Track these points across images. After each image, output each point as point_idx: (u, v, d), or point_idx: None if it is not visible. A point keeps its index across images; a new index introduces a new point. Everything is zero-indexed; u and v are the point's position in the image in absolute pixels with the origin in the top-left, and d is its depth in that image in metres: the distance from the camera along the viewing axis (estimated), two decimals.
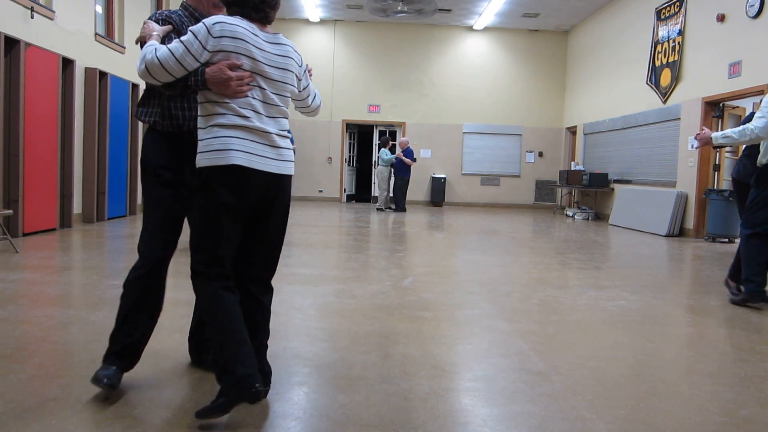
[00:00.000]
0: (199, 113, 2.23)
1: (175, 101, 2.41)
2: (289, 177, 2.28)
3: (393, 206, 13.27)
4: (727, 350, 3.27)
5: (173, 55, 2.10)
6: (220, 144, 2.11)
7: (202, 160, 2.14)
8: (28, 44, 6.73)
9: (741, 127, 4.26)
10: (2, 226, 5.81)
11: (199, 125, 2.21)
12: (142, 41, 2.26)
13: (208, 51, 2.12)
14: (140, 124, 9.96)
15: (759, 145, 4.35)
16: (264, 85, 2.20)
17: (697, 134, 4.51)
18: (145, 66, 2.11)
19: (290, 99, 2.33)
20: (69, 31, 7.86)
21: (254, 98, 2.17)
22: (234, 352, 2.08)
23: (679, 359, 3.13)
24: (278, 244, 2.38)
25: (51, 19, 7.41)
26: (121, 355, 2.38)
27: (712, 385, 2.69)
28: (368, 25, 15.03)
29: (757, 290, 4.25)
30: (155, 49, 2.12)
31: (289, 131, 2.32)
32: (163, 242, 2.49)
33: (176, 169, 2.43)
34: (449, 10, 13.69)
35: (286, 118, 2.30)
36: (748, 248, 4.30)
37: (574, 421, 2.24)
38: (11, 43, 6.53)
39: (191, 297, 4.29)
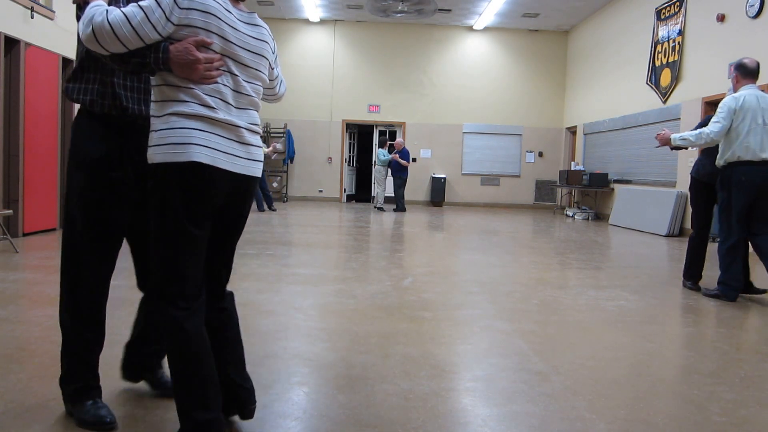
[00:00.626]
0: (153, 97, 1.85)
1: (120, 76, 2.00)
2: (256, 179, 1.99)
3: (394, 206, 13.30)
4: (727, 350, 3.27)
5: (129, 21, 1.70)
6: (179, 137, 1.75)
7: (156, 155, 1.78)
8: (28, 44, 6.73)
9: (698, 131, 4.48)
10: (2, 226, 5.81)
11: (152, 112, 1.84)
12: None
13: (172, 23, 1.75)
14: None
15: (718, 145, 4.54)
16: (235, 71, 1.87)
17: (658, 134, 4.68)
18: (92, 30, 1.69)
19: (261, 87, 2.03)
20: (69, 31, 7.86)
21: (224, 85, 1.84)
22: (197, 394, 1.82)
23: (679, 359, 3.13)
24: (235, 245, 2.11)
25: (51, 19, 7.41)
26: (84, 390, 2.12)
27: (712, 385, 2.69)
28: (368, 25, 15.03)
29: (736, 293, 4.49)
30: (106, 10, 1.71)
31: (258, 125, 2.01)
32: (101, 263, 2.15)
33: (117, 163, 2.02)
34: (449, 10, 13.69)
35: (257, 110, 1.99)
36: (729, 258, 4.48)
37: (574, 421, 2.24)
38: (11, 43, 6.53)
39: None
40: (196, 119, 1.78)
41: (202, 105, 1.79)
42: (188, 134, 1.76)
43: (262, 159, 2.01)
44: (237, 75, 1.88)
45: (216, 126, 1.81)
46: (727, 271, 4.48)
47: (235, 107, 1.88)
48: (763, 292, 4.64)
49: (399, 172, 12.98)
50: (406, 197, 14.44)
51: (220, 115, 1.82)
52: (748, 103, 4.36)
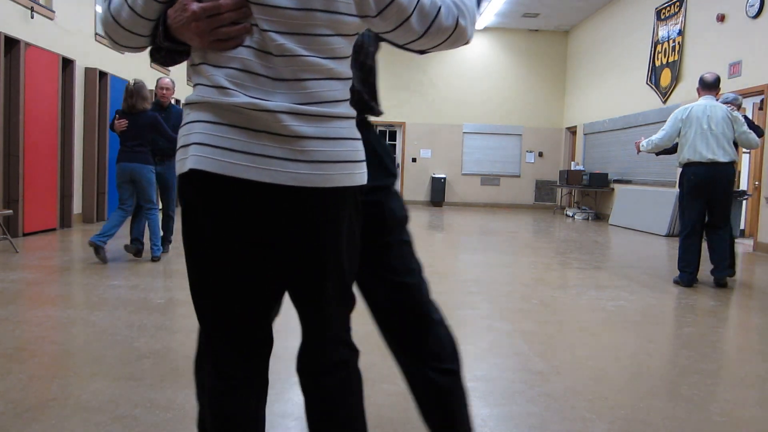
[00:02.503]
0: None
1: None
2: (322, 191, 1.18)
3: None
4: (727, 350, 3.27)
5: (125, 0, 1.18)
6: (183, 138, 1.21)
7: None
8: (28, 44, 6.73)
9: (650, 138, 5.38)
10: (2, 226, 5.81)
11: None
12: None
13: None
14: None
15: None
16: (264, 24, 1.13)
17: (637, 142, 5.56)
18: (103, 28, 1.23)
19: (340, 39, 1.18)
20: (69, 31, 7.86)
21: (248, 47, 1.14)
22: None
23: (679, 359, 3.13)
24: (328, 299, 1.30)
25: (51, 19, 7.41)
26: None
27: (712, 385, 2.69)
28: None
29: (690, 277, 5.00)
30: (108, 3, 1.22)
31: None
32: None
33: None
34: None
35: (331, 79, 1.19)
36: (684, 247, 5.07)
37: (574, 421, 2.24)
38: (11, 43, 6.53)
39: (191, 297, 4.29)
40: (202, 108, 1.18)
41: (210, 86, 1.17)
42: (189, 132, 1.19)
43: (338, 158, 1.20)
44: (266, 30, 1.13)
45: (229, 114, 1.15)
46: (682, 259, 5.02)
47: (269, 78, 1.15)
48: (727, 277, 5.09)
49: None
50: (406, 197, 14.41)
51: (236, 97, 1.14)
52: (694, 112, 4.96)
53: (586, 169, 13.46)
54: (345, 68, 1.20)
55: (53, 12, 7.46)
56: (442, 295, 4.56)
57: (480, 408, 2.37)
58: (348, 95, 1.23)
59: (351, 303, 1.39)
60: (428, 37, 1.19)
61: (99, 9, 9.00)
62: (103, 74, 8.61)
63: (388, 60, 16.20)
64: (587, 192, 13.38)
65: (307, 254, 1.24)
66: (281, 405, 2.33)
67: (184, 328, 3.33)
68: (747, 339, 3.58)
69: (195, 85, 1.21)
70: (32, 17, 6.94)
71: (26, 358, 2.76)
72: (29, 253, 5.72)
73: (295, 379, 2.67)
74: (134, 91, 5.28)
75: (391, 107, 15.24)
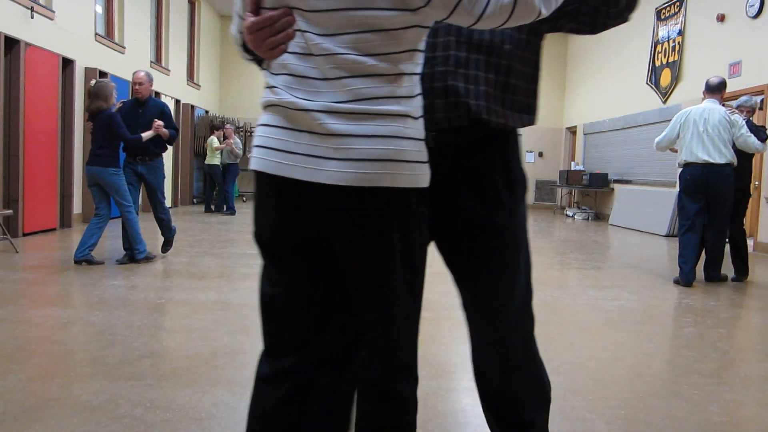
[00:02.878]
0: None
1: None
2: (359, 190, 1.15)
3: None
4: (727, 350, 3.27)
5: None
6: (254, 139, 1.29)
7: None
8: (28, 44, 6.73)
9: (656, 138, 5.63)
10: (2, 226, 5.81)
11: None
12: None
13: None
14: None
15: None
16: (303, 25, 1.17)
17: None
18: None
19: (378, 35, 1.14)
20: (69, 31, 7.86)
21: (289, 53, 1.19)
22: None
23: (679, 359, 3.13)
24: (381, 301, 1.25)
25: (51, 19, 7.41)
26: None
27: (712, 385, 2.69)
28: None
29: (689, 272, 5.11)
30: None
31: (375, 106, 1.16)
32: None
33: None
34: None
35: (370, 76, 1.15)
36: (682, 243, 5.27)
37: (574, 421, 2.24)
38: (11, 43, 6.53)
39: (193, 297, 4.31)
40: (264, 111, 1.25)
41: (268, 89, 1.24)
42: (255, 134, 1.26)
43: (374, 156, 1.15)
44: (306, 31, 1.17)
45: (279, 116, 1.20)
46: (681, 255, 5.15)
47: (316, 79, 1.17)
48: (725, 278, 5.31)
49: None
50: None
51: (281, 96, 1.19)
52: (692, 115, 5.13)
53: (586, 169, 13.46)
54: (389, 64, 1.15)
55: (53, 12, 7.46)
56: (442, 295, 4.56)
57: (480, 408, 2.37)
58: (399, 92, 1.17)
59: (405, 321, 1.29)
60: (489, 18, 1.12)
61: (99, 9, 9.01)
62: (103, 74, 8.61)
63: None
64: (587, 192, 13.38)
65: (346, 255, 1.23)
66: None
67: (184, 328, 3.33)
68: (747, 339, 3.58)
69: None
70: (32, 17, 6.95)
71: (26, 358, 2.76)
72: (29, 253, 5.72)
73: None
74: (91, 92, 5.12)
75: None
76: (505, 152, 1.44)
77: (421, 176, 1.20)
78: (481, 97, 1.34)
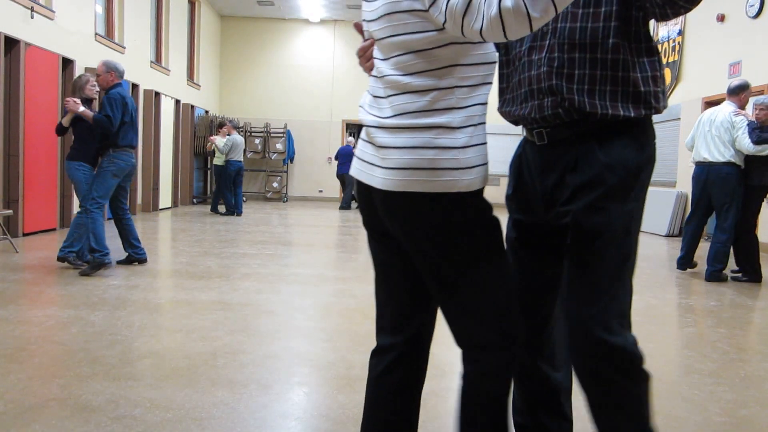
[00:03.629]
0: None
1: None
2: (398, 195, 1.33)
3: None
4: (727, 350, 3.27)
5: None
6: None
7: None
8: (28, 44, 6.73)
9: None
10: (2, 226, 5.81)
11: None
12: None
13: None
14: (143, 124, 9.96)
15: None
16: (376, 52, 1.42)
17: None
18: None
19: (413, 56, 1.31)
20: (69, 31, 7.87)
21: (372, 76, 1.45)
22: None
23: (679, 359, 3.13)
24: (437, 297, 1.45)
25: (51, 19, 7.41)
26: None
27: (712, 385, 2.69)
28: None
29: (683, 258, 5.65)
30: None
31: (395, 115, 1.35)
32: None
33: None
34: None
35: (408, 93, 1.33)
36: (683, 233, 5.69)
37: (574, 421, 2.23)
38: (11, 43, 6.53)
39: (193, 297, 4.31)
40: None
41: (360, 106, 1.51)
42: None
43: (407, 165, 1.31)
44: (375, 57, 1.42)
45: (364, 128, 1.46)
46: (683, 248, 5.63)
47: (374, 97, 1.42)
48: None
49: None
50: None
51: (361, 113, 1.47)
52: (705, 116, 5.47)
53: None
54: (423, 81, 1.31)
55: (53, 12, 7.46)
56: None
57: None
58: (436, 105, 1.31)
59: (474, 313, 1.42)
60: (488, 33, 1.19)
61: (99, 9, 9.01)
62: None
63: None
64: None
65: (410, 244, 1.40)
66: (281, 405, 2.33)
67: (184, 328, 3.33)
68: (747, 339, 3.58)
69: None
70: (32, 17, 6.95)
71: (26, 358, 2.76)
72: (29, 253, 5.72)
73: (296, 379, 2.68)
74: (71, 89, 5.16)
75: None
76: (616, 143, 1.45)
77: (454, 182, 1.31)
78: (584, 93, 1.42)
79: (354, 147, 12.63)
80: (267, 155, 14.54)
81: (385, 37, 1.34)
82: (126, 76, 9.30)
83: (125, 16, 9.67)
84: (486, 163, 1.38)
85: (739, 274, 5.33)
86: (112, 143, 4.92)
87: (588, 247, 1.45)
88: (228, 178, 10.35)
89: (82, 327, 3.27)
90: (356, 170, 1.45)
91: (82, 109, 4.90)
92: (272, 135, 14.68)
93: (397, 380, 1.54)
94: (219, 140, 10.33)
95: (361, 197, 1.47)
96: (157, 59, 11.15)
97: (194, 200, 12.85)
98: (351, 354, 2.96)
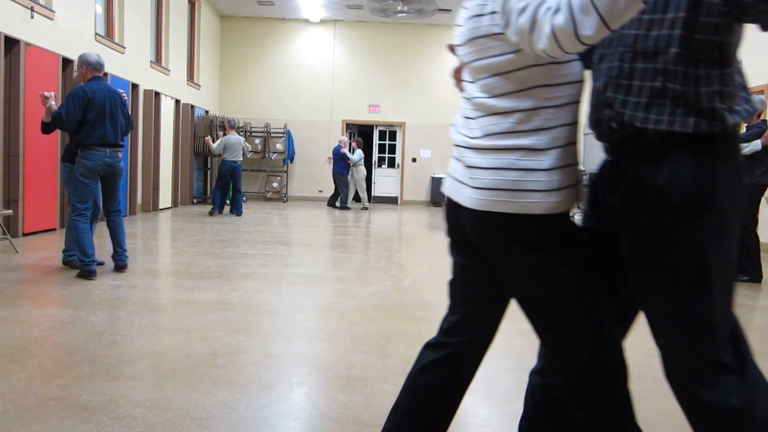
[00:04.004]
0: None
1: None
2: (482, 214, 1.39)
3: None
4: None
5: None
6: None
7: None
8: (28, 44, 6.73)
9: None
10: (2, 226, 5.81)
11: None
12: None
13: None
14: (137, 125, 9.96)
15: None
16: (465, 75, 1.51)
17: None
18: None
19: (498, 79, 1.37)
20: (69, 31, 7.86)
21: (463, 97, 1.54)
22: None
23: None
24: (533, 312, 1.45)
25: (51, 19, 7.41)
26: None
27: None
28: (368, 25, 15.03)
29: None
30: None
31: (471, 136, 1.43)
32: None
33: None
34: (449, 10, 13.69)
35: (493, 114, 1.38)
36: None
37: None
38: (11, 43, 6.53)
39: (193, 297, 4.30)
40: None
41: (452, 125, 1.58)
42: None
43: (484, 185, 1.38)
44: (465, 79, 1.50)
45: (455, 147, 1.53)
46: None
47: (465, 118, 1.48)
48: None
49: (344, 170, 12.93)
50: (406, 197, 14.46)
51: (453, 132, 1.53)
52: None
53: (586, 169, 13.46)
54: (506, 103, 1.36)
55: (53, 12, 7.46)
56: (442, 295, 4.57)
57: (480, 408, 2.37)
58: (520, 127, 1.34)
59: (557, 333, 1.43)
60: (550, 50, 1.19)
61: (99, 9, 9.01)
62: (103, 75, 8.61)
63: (388, 60, 16.18)
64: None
65: (492, 260, 1.45)
66: (281, 405, 2.33)
67: (184, 328, 3.33)
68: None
69: None
70: (32, 17, 6.94)
71: (26, 358, 2.76)
72: (29, 253, 5.72)
73: (296, 379, 2.68)
74: None
75: (391, 107, 15.25)
76: (673, 162, 1.32)
77: (537, 204, 1.33)
78: (639, 107, 1.33)
79: (344, 147, 12.71)
80: (267, 155, 14.53)
81: (471, 61, 1.40)
82: (126, 76, 9.32)
83: (125, 16, 9.66)
84: (574, 185, 1.37)
85: (740, 274, 5.32)
86: (78, 142, 4.64)
87: (645, 278, 1.35)
88: (220, 178, 10.40)
89: (82, 327, 3.27)
90: (448, 188, 1.50)
91: (50, 103, 4.65)
92: (272, 135, 14.67)
93: (442, 378, 1.57)
94: (213, 143, 10.45)
95: (449, 212, 1.52)
96: (157, 59, 11.15)
97: (194, 200, 12.85)
98: (351, 354, 2.96)
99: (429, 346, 1.62)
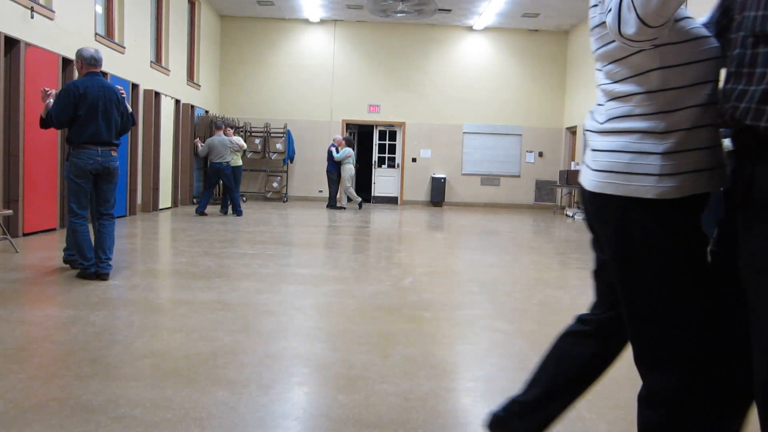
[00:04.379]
0: None
1: None
2: (596, 196, 1.40)
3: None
4: None
5: None
6: None
7: None
8: (28, 44, 6.73)
9: None
10: (2, 226, 5.81)
11: None
12: None
13: None
14: (139, 124, 9.96)
15: None
16: (597, 64, 1.56)
17: None
18: None
19: (614, 66, 1.39)
20: (69, 31, 7.86)
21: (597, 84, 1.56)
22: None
23: None
24: (629, 300, 1.41)
25: (51, 19, 7.41)
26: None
27: None
28: (368, 25, 15.03)
29: None
30: None
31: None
32: None
33: None
34: (449, 10, 13.69)
35: (614, 99, 1.40)
36: None
37: (574, 421, 2.24)
38: (11, 43, 6.53)
39: (193, 297, 4.30)
40: None
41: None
42: None
43: (597, 167, 1.40)
44: (596, 68, 1.52)
45: None
46: None
47: (597, 105, 1.51)
48: None
49: (333, 168, 12.89)
50: (406, 197, 14.46)
51: (586, 118, 1.55)
52: None
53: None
54: (624, 87, 1.36)
55: (53, 12, 7.46)
56: (442, 295, 4.57)
57: (480, 408, 2.37)
58: (637, 111, 1.33)
59: (648, 332, 1.42)
60: (636, 34, 1.21)
61: (99, 9, 9.01)
62: (103, 74, 8.60)
63: (388, 60, 16.17)
64: None
65: (608, 249, 1.43)
66: (281, 405, 2.33)
67: (184, 328, 3.33)
68: None
69: None
70: (32, 17, 6.94)
71: (26, 358, 2.76)
72: (29, 253, 5.72)
73: (296, 379, 2.67)
74: None
75: (391, 107, 15.25)
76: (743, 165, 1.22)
77: (648, 188, 1.29)
78: (754, 99, 1.17)
79: (337, 146, 12.72)
80: (267, 155, 14.53)
81: (595, 49, 1.45)
82: (126, 76, 9.31)
83: (125, 16, 9.66)
84: (699, 170, 1.27)
85: None
86: (68, 139, 4.50)
87: (748, 284, 1.23)
88: (207, 179, 10.62)
89: (82, 327, 3.27)
90: (580, 175, 1.52)
91: (49, 100, 4.55)
92: (272, 135, 14.67)
93: (586, 351, 1.71)
94: (202, 143, 10.80)
95: (583, 201, 1.51)
96: (157, 59, 11.15)
97: (194, 200, 12.84)
98: (351, 354, 2.96)
99: (578, 320, 1.72)
